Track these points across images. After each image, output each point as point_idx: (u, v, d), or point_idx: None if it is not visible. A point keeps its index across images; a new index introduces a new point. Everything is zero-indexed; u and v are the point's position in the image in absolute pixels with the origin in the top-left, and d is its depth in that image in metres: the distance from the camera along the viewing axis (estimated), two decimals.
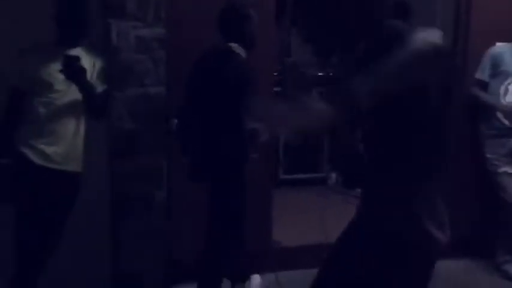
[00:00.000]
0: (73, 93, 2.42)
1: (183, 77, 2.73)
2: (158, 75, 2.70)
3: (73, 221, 2.53)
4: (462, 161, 3.54)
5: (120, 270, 2.82)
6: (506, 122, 3.29)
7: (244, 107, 1.48)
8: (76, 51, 2.41)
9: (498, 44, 3.38)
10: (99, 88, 2.51)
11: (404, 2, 1.81)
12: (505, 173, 3.30)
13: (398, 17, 1.57)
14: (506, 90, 3.30)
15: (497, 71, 3.31)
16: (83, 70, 2.36)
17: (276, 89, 3.86)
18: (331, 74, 5.06)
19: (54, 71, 2.36)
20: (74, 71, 2.33)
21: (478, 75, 3.36)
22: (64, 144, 2.46)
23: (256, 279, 3.13)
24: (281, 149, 4.87)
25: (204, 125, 2.61)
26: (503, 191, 3.29)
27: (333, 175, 5.10)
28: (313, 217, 3.87)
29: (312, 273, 3.23)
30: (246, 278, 3.07)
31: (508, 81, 3.29)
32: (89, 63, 2.47)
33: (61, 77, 2.33)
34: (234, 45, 2.60)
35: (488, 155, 3.37)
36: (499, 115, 3.31)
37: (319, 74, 5.10)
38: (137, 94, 2.68)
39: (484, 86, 3.36)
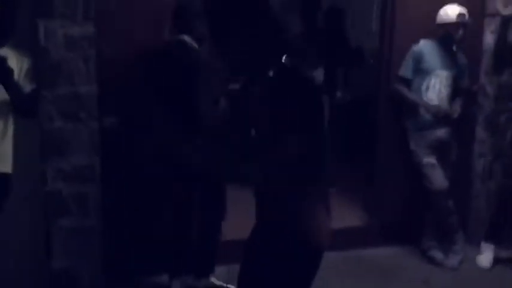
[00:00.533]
0: (0, 94, 2.40)
1: (115, 75, 2.77)
2: (88, 74, 2.71)
3: (6, 221, 2.53)
4: (391, 154, 3.73)
5: (55, 269, 2.82)
6: (427, 116, 3.48)
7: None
8: (3, 52, 2.39)
9: (422, 41, 3.55)
10: (27, 88, 2.50)
11: (339, 9, 1.92)
12: (428, 163, 3.48)
13: (333, 22, 1.71)
14: (428, 86, 3.47)
15: (419, 67, 3.46)
16: (10, 70, 2.35)
17: None
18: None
19: None
20: (0, 72, 2.32)
21: (401, 72, 3.51)
22: None
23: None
24: None
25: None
26: (427, 181, 3.47)
27: None
28: (245, 212, 3.96)
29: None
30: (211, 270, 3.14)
31: (430, 77, 3.46)
32: (16, 63, 2.46)
33: None
34: (187, 38, 2.77)
35: (413, 148, 3.55)
36: (421, 110, 3.49)
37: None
38: (67, 93, 2.68)
39: (407, 82, 3.51)
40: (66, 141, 2.74)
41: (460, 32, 3.42)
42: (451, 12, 3.41)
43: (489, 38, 3.69)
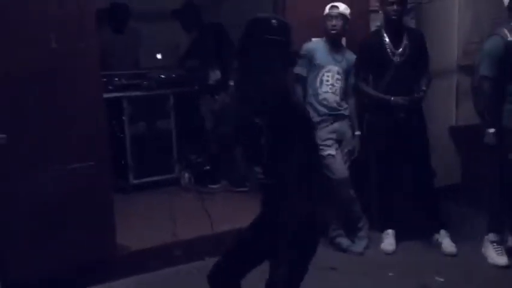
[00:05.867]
0: None
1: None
2: None
3: None
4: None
5: None
6: (323, 110, 3.64)
7: None
8: None
9: (313, 39, 3.71)
10: None
11: (285, 22, 2.03)
12: (329, 155, 3.63)
13: (279, 35, 1.87)
14: (321, 82, 3.64)
15: (312, 64, 3.62)
16: None
17: None
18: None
19: None
20: None
21: (296, 70, 3.64)
22: None
23: None
24: (129, 154, 4.85)
25: None
26: (329, 171, 3.61)
27: (186, 174, 5.20)
28: (165, 218, 3.95)
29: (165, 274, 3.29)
30: None
31: (322, 73, 3.63)
32: None
33: None
34: None
35: (317, 141, 3.68)
36: (316, 104, 3.64)
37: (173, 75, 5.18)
38: None
39: (302, 79, 3.66)
40: None
41: (336, 23, 3.58)
42: (327, 6, 3.62)
43: None
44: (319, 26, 3.66)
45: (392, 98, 3.54)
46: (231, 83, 4.79)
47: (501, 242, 3.47)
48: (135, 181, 4.88)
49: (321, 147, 3.62)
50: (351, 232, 3.75)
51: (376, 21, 3.94)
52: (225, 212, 4.30)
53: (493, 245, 3.45)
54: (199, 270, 3.40)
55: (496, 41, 3.33)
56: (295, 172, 1.96)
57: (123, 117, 4.81)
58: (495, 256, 3.42)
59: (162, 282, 3.29)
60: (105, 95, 4.34)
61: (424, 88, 3.61)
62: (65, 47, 3.01)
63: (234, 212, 4.25)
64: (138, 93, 4.89)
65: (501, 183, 3.41)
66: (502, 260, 3.39)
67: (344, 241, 3.71)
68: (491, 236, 3.48)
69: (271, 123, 2.00)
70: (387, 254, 3.67)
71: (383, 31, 3.65)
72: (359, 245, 3.69)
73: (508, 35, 3.28)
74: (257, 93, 2.03)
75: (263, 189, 2.16)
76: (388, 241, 3.74)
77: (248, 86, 2.06)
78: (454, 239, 3.67)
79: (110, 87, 4.71)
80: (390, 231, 3.77)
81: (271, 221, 2.06)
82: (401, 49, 3.59)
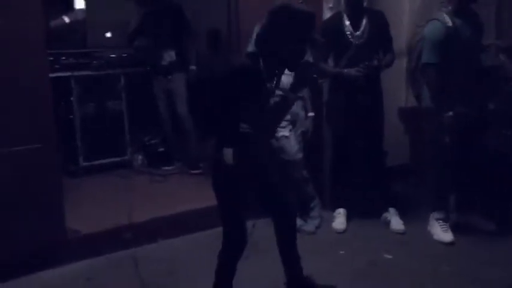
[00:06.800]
0: None
1: None
2: None
3: None
4: None
5: None
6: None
7: None
8: None
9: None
10: None
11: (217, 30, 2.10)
12: (283, 136, 3.64)
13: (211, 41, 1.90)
14: None
15: None
16: None
17: None
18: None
19: None
20: None
21: (249, 49, 3.60)
22: None
23: None
24: (78, 136, 4.73)
25: None
26: (283, 152, 3.63)
27: (139, 157, 5.13)
28: (117, 201, 3.89)
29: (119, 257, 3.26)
30: None
31: None
32: None
33: None
34: None
35: None
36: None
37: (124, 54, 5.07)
38: None
39: (256, 57, 3.63)
40: None
41: None
42: None
43: (328, 14, 3.95)
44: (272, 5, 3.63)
45: (345, 70, 3.60)
46: (192, 67, 4.76)
47: (446, 220, 3.61)
48: (86, 164, 4.78)
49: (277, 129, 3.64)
50: (304, 212, 3.80)
51: (328, 3, 3.96)
52: (179, 193, 4.28)
53: (439, 223, 3.58)
54: (154, 252, 3.41)
55: (436, 27, 3.38)
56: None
57: (72, 98, 4.68)
58: (441, 233, 3.55)
59: (115, 266, 3.25)
60: (52, 75, 4.22)
61: (378, 57, 3.63)
62: (8, 26, 2.89)
63: (189, 194, 4.24)
64: (86, 73, 4.76)
65: (444, 163, 3.53)
66: (448, 236, 3.52)
67: (297, 221, 3.75)
68: (437, 214, 3.61)
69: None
70: (338, 232, 3.75)
71: (343, 13, 3.68)
72: (311, 225, 3.75)
73: (448, 20, 3.35)
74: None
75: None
76: (339, 220, 3.82)
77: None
78: (402, 218, 3.78)
79: (57, 67, 4.57)
80: (341, 211, 3.85)
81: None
82: (359, 31, 3.63)
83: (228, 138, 2.36)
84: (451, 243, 3.49)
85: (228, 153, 2.31)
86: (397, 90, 4.51)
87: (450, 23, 3.34)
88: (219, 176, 2.41)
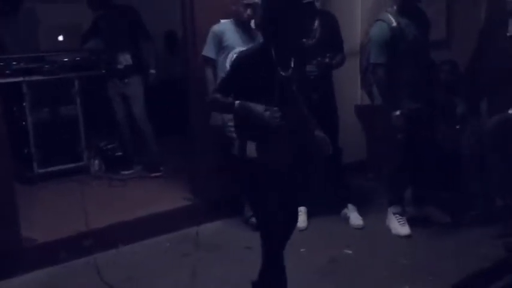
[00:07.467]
0: None
1: None
2: None
3: None
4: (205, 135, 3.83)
5: None
6: None
7: None
8: None
9: (222, 21, 3.67)
10: None
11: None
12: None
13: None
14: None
15: (221, 46, 3.58)
16: None
17: None
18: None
19: None
20: None
21: (205, 52, 3.61)
22: None
23: None
24: (32, 142, 4.61)
25: None
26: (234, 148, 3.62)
27: (96, 162, 5.03)
28: (74, 208, 3.81)
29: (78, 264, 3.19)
30: None
31: (231, 55, 3.54)
32: None
33: None
34: None
35: (228, 123, 3.67)
36: None
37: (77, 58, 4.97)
38: None
39: (211, 62, 3.62)
40: None
41: (245, 11, 3.56)
42: None
43: None
44: (227, 7, 3.62)
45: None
46: (152, 71, 4.71)
47: (403, 213, 3.69)
48: (41, 170, 4.66)
49: (231, 128, 3.63)
50: None
51: None
52: (139, 198, 4.22)
53: (396, 217, 3.66)
54: (114, 258, 3.36)
55: (381, 27, 3.43)
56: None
57: (24, 104, 4.55)
58: (398, 227, 3.63)
59: (75, 274, 3.18)
60: (2, 80, 4.11)
61: (330, 56, 3.66)
62: None
63: (149, 197, 4.20)
64: (39, 77, 4.64)
65: (397, 159, 3.60)
66: (405, 230, 3.60)
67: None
68: (393, 208, 3.69)
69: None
70: (300, 230, 3.76)
71: None
72: None
73: (393, 20, 3.40)
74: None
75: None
76: (301, 218, 3.81)
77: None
78: (361, 213, 3.86)
79: (8, 72, 4.44)
80: (302, 209, 3.87)
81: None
82: (311, 33, 3.66)
83: (251, 132, 2.41)
84: (408, 236, 3.57)
85: (251, 147, 2.40)
86: (352, 88, 4.60)
87: (395, 23, 3.39)
88: (243, 171, 2.48)
